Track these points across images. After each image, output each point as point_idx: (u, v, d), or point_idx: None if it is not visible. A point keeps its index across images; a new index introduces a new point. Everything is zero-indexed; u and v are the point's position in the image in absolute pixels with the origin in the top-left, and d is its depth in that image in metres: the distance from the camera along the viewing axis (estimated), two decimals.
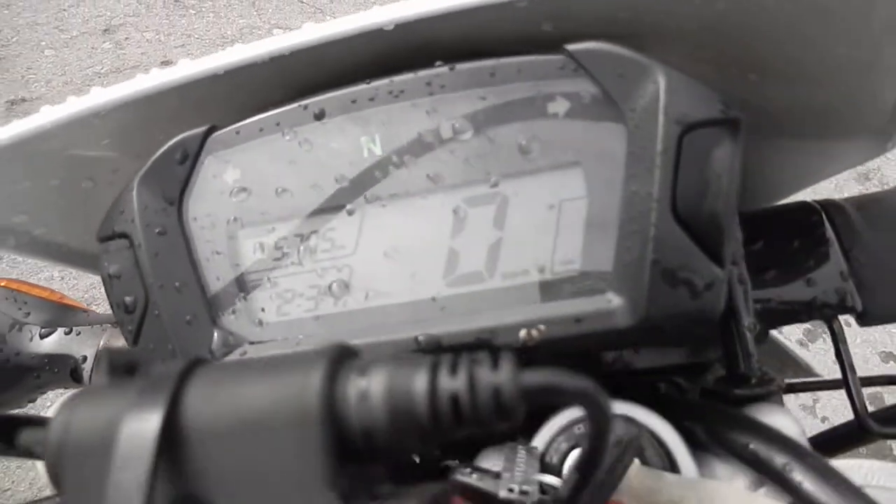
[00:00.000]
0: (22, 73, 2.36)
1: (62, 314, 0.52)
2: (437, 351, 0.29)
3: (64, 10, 2.63)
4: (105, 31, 2.57)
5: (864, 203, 0.38)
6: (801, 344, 2.03)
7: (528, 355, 0.29)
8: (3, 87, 2.31)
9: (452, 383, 0.13)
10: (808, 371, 0.50)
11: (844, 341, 0.37)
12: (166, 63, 2.44)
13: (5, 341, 0.49)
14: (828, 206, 0.39)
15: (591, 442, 0.15)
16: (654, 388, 0.36)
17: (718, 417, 0.29)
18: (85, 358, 0.48)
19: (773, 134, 0.45)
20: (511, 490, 0.25)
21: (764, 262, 0.37)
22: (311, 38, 0.33)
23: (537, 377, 0.13)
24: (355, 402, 0.13)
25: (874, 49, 0.31)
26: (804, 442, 0.31)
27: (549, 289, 0.29)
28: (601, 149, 0.29)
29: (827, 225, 0.38)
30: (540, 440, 0.30)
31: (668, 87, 0.27)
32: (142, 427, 0.13)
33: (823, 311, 0.36)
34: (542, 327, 0.28)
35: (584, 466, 0.16)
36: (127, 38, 2.54)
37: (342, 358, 0.14)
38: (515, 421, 0.14)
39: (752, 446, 0.27)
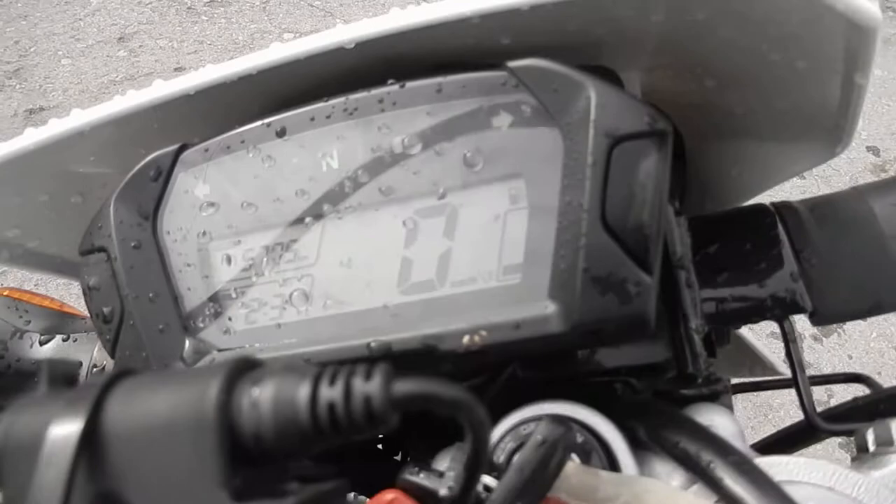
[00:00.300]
0: (40, 83, 2.42)
1: (61, 322, 0.55)
2: (386, 357, 0.30)
3: (80, 19, 2.68)
4: (119, 39, 2.61)
5: (817, 205, 0.39)
6: (816, 339, 2.02)
7: (480, 359, 0.31)
8: (22, 97, 2.36)
9: (330, 392, 0.15)
10: (773, 370, 0.51)
11: (794, 341, 0.38)
12: (179, 69, 2.48)
13: (7, 348, 0.52)
14: (781, 208, 0.40)
15: (472, 446, 0.17)
16: (609, 389, 0.37)
17: (656, 417, 0.31)
18: (81, 363, 0.51)
19: (739, 135, 0.46)
20: (450, 488, 0.26)
21: (718, 263, 0.39)
22: (277, 58, 0.35)
23: (408, 386, 0.15)
24: (247, 409, 0.14)
25: (803, 54, 0.32)
26: (740, 441, 0.32)
27: (493, 296, 0.30)
28: (541, 161, 0.30)
29: (780, 227, 0.39)
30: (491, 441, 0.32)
31: (599, 102, 0.28)
32: (65, 431, 0.15)
33: (775, 312, 0.37)
34: (483, 333, 0.29)
35: (469, 468, 0.18)
36: (141, 46, 2.58)
37: (240, 369, 0.15)
38: (388, 426, 0.15)
39: (681, 444, 0.29)
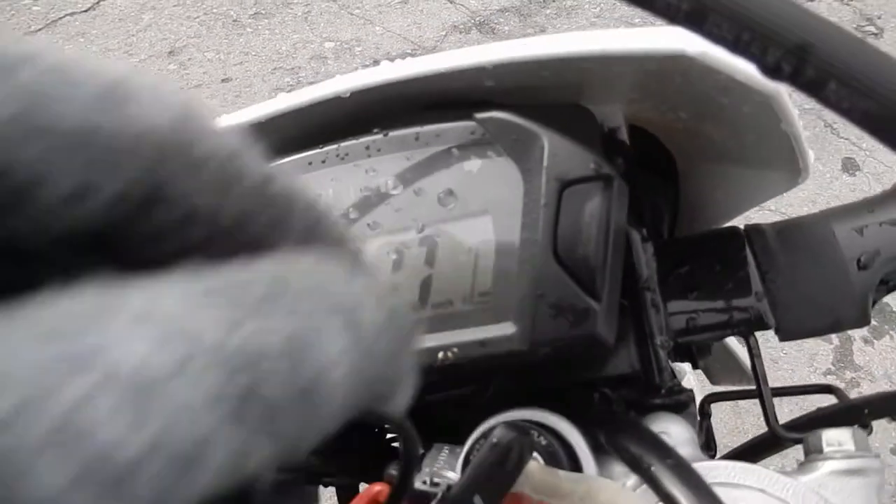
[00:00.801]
0: None
1: None
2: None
3: (132, 35, 2.82)
4: (170, 53, 2.74)
5: (784, 228, 0.42)
6: (866, 341, 1.98)
7: (453, 372, 0.35)
8: None
9: None
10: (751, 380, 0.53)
11: (759, 356, 0.41)
12: (226, 80, 2.59)
13: None
14: (751, 231, 0.43)
15: (403, 453, 0.21)
16: (588, 399, 0.41)
17: (615, 424, 0.34)
18: None
19: (721, 160, 0.49)
20: (424, 482, 0.31)
21: (690, 282, 0.42)
22: (281, 108, 0.40)
23: None
24: None
25: (743, 100, 0.35)
26: (691, 447, 0.36)
27: (466, 317, 0.34)
28: (505, 200, 0.34)
29: (747, 249, 0.42)
30: (468, 443, 0.36)
31: (551, 151, 0.32)
32: None
33: (741, 328, 0.40)
34: (455, 350, 0.33)
35: (402, 469, 0.22)
36: (190, 59, 2.70)
37: None
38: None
39: (631, 449, 0.32)
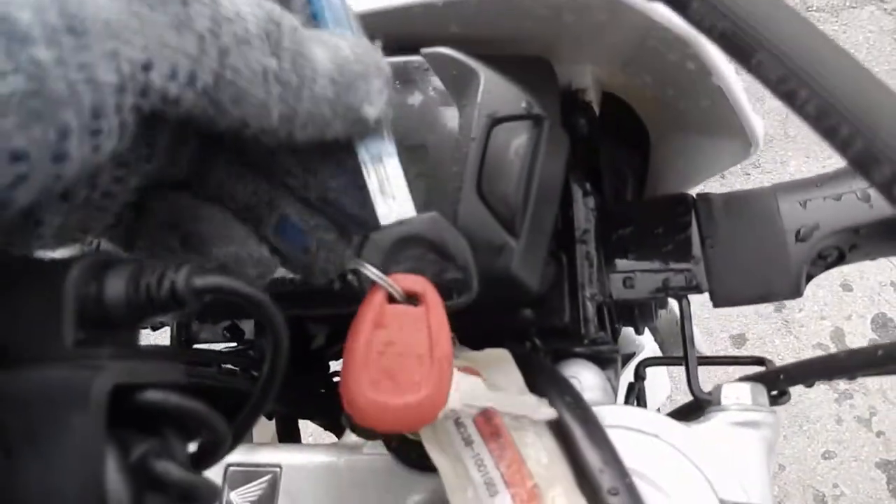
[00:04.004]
0: None
1: None
2: (299, 290, 0.36)
3: None
4: None
5: (732, 198, 0.43)
6: None
7: None
8: None
9: (150, 278, 0.20)
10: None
11: (689, 318, 0.41)
12: None
13: None
14: (699, 198, 0.43)
15: (271, 343, 0.22)
16: (520, 347, 0.42)
17: (530, 365, 0.35)
18: None
19: (684, 128, 0.49)
20: None
21: (631, 243, 0.43)
22: None
23: (208, 279, 0.21)
24: (93, 283, 0.20)
25: (685, 56, 0.35)
26: (600, 392, 0.37)
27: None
28: (442, 135, 0.35)
29: (692, 215, 0.42)
30: None
31: (485, 87, 0.33)
32: None
33: (675, 290, 0.41)
34: None
35: (269, 364, 0.23)
36: None
37: (98, 260, 0.21)
38: (191, 307, 0.21)
39: (535, 383, 0.33)
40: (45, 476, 0.19)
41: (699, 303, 0.44)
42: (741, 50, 0.18)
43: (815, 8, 2.41)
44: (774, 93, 0.18)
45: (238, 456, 0.42)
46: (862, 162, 0.17)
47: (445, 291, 0.27)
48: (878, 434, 1.84)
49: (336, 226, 0.26)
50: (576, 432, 0.30)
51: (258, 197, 0.25)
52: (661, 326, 0.68)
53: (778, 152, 2.17)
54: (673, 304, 0.69)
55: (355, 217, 0.26)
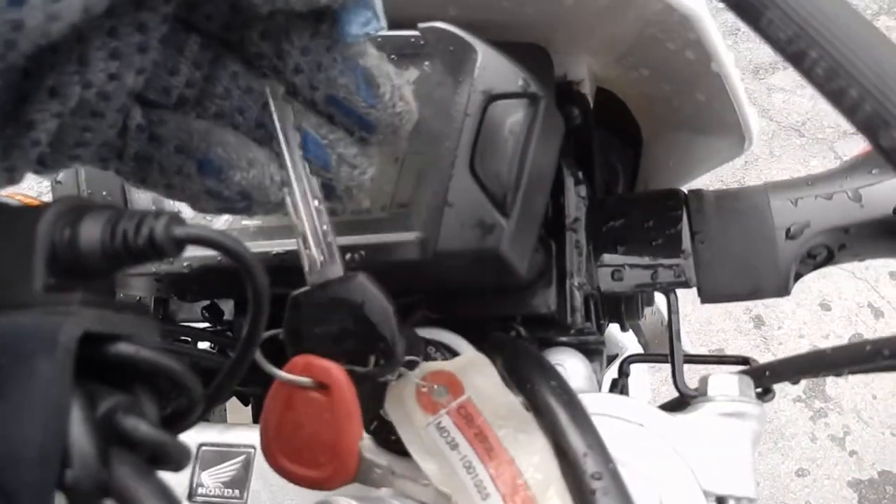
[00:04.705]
0: None
1: None
2: (286, 263, 0.35)
3: None
4: None
5: (724, 195, 0.42)
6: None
7: None
8: None
9: (127, 224, 0.19)
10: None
11: (677, 312, 0.41)
12: None
13: None
14: (691, 193, 0.43)
15: (252, 300, 0.21)
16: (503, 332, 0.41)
17: (513, 352, 0.35)
18: None
19: (677, 126, 0.49)
20: None
21: (621, 236, 0.42)
22: None
23: (187, 230, 0.20)
24: (67, 229, 0.19)
25: (685, 44, 0.35)
26: (584, 381, 0.36)
27: (378, 223, 0.35)
28: (437, 110, 0.34)
29: (683, 210, 0.42)
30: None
31: (482, 63, 0.32)
32: None
33: (662, 284, 0.41)
34: (362, 252, 0.34)
35: (250, 323, 0.22)
36: None
37: (72, 205, 0.20)
38: (169, 255, 0.20)
39: (519, 369, 0.32)
40: (9, 423, 0.18)
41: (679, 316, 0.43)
42: (751, 9, 0.17)
43: None
44: (783, 54, 0.17)
45: (211, 436, 0.41)
46: (870, 125, 0.16)
47: (366, 358, 0.28)
48: (851, 453, 1.86)
49: (352, 136, 0.27)
50: (560, 416, 0.29)
51: (268, 109, 0.25)
52: (645, 327, 0.68)
53: (763, 171, 2.19)
54: (658, 304, 0.69)
55: (365, 120, 0.27)
